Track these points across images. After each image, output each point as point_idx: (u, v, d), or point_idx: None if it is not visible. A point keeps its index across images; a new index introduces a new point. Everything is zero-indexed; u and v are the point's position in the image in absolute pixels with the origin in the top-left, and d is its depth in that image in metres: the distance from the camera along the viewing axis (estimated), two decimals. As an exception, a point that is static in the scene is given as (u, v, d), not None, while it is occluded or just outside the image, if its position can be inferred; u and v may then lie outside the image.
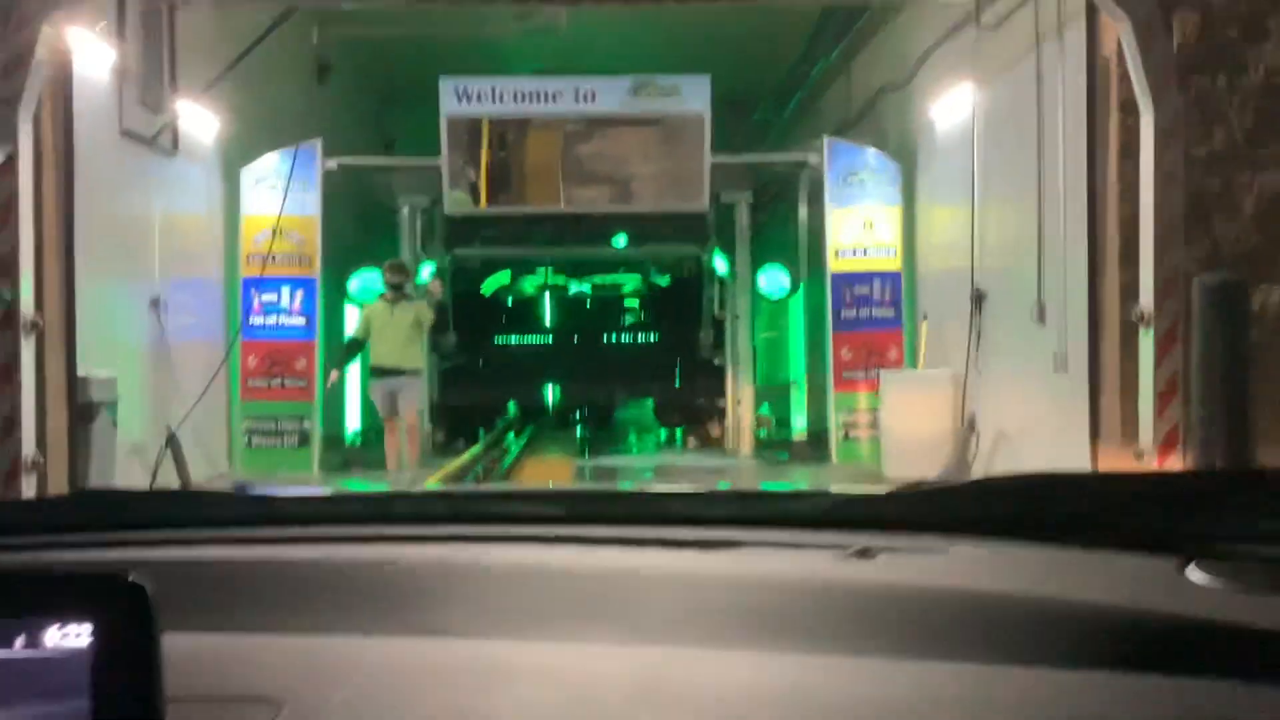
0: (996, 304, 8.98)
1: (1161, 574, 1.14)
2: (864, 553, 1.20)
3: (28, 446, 4.97)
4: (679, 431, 15.33)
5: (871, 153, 10.95)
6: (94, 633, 0.70)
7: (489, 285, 17.73)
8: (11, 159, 4.87)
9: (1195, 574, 1.12)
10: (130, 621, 0.71)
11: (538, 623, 1.07)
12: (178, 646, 0.73)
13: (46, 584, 0.74)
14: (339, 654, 1.00)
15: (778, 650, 1.00)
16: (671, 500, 1.71)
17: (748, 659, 0.99)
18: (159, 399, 8.85)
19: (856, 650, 1.00)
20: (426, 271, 12.37)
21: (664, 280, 17.06)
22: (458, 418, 14.68)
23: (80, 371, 6.42)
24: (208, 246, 10.29)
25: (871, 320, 10.84)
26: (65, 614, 0.70)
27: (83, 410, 6.28)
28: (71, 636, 0.70)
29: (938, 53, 10.08)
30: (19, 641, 0.70)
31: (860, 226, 10.87)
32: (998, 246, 8.95)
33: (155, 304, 8.81)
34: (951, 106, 9.75)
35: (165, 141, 8.97)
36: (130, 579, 0.71)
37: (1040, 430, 8.03)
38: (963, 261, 9.43)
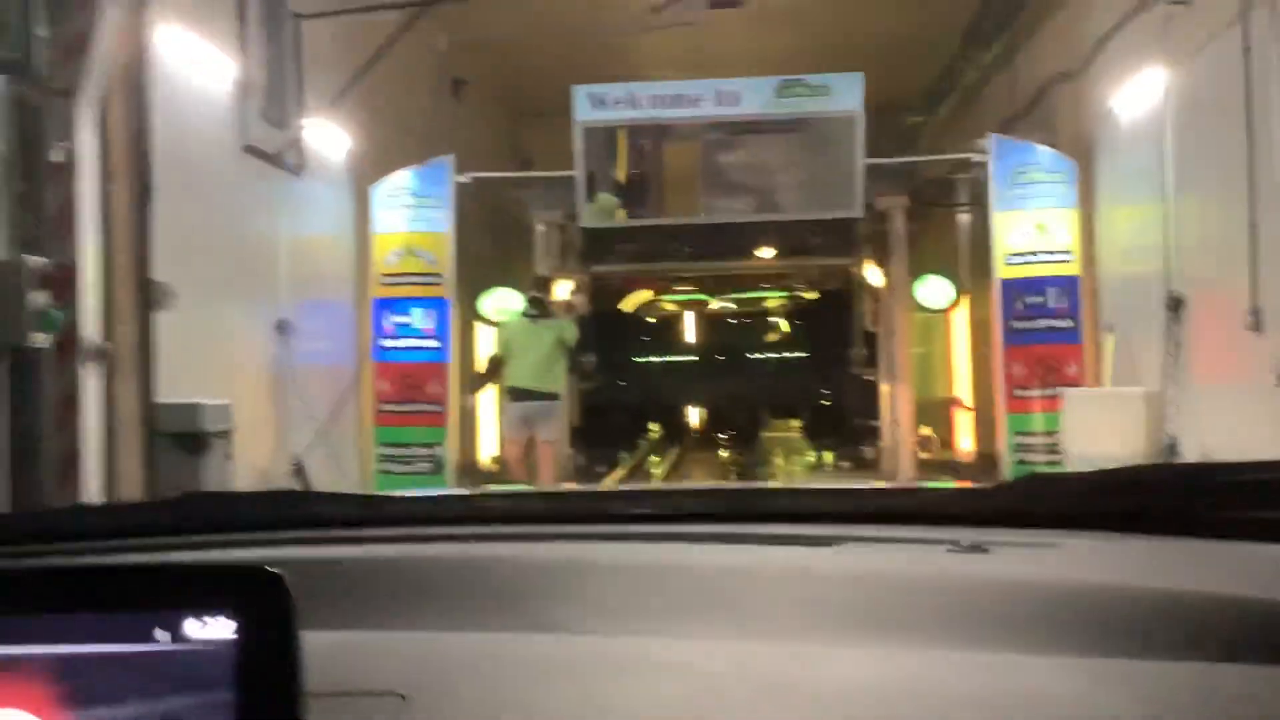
0: (1198, 311, 7.93)
1: None
2: (976, 547, 1.18)
3: (93, 483, 4.46)
4: (830, 454, 14.46)
5: (1043, 150, 9.96)
6: (237, 626, 0.70)
7: (629, 303, 17.17)
8: (70, 160, 4.36)
9: None
10: (272, 614, 0.71)
11: (652, 619, 1.06)
12: (304, 643, 0.71)
13: (185, 577, 0.73)
14: (461, 649, 1.00)
15: (895, 646, 0.97)
16: (775, 496, 1.69)
17: (867, 655, 0.96)
18: (286, 426, 8.45)
19: (974, 645, 0.97)
20: (566, 288, 11.84)
21: (812, 294, 16.24)
22: (598, 440, 14.12)
23: (190, 400, 5.98)
24: (338, 267, 9.92)
25: (1047, 332, 9.83)
26: (205, 607, 0.71)
27: (193, 441, 5.83)
28: (213, 630, 0.70)
29: (1119, 35, 9.08)
30: (162, 635, 0.70)
31: (1032, 230, 9.89)
32: (1199, 246, 7.91)
33: (281, 327, 8.42)
34: (1137, 94, 8.74)
35: (291, 158, 8.59)
36: (269, 571, 0.71)
37: (1259, 455, 6.96)
38: (1154, 265, 8.40)
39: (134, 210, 4.78)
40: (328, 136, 9.50)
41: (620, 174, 12.30)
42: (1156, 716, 0.85)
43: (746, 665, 0.95)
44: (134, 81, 4.90)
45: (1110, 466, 1.41)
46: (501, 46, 13.86)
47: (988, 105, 13.05)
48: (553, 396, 8.92)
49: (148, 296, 5.00)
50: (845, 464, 13.24)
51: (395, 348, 10.08)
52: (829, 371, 14.87)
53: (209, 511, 1.46)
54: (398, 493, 2.78)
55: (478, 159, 12.41)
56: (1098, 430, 8.61)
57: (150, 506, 1.62)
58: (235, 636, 0.71)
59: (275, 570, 0.72)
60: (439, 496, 2.18)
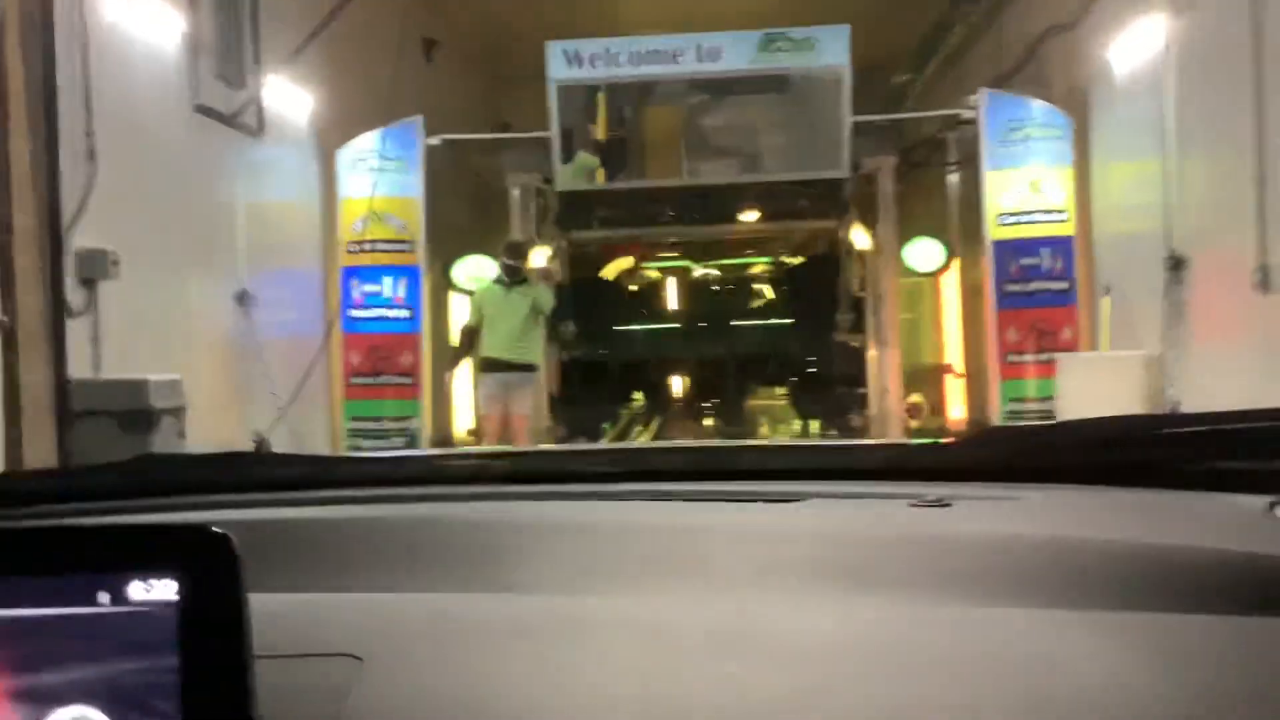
0: (1201, 272, 7.59)
1: (1249, 514, 1.11)
2: (938, 502, 1.17)
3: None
4: (817, 422, 14.11)
5: (1037, 105, 9.59)
6: (180, 587, 0.70)
7: (610, 270, 16.76)
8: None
9: None
10: (217, 575, 0.70)
11: (611, 578, 1.05)
12: (254, 605, 0.70)
13: (129, 539, 0.72)
14: (418, 611, 0.98)
15: (856, 601, 0.97)
16: (739, 454, 1.65)
17: (827, 609, 0.96)
18: (248, 401, 8.06)
19: (936, 599, 0.96)
20: (543, 254, 11.44)
21: (797, 259, 15.85)
22: (578, 411, 13.75)
23: (134, 375, 5.59)
24: (303, 234, 9.50)
25: (1041, 295, 9.49)
26: (149, 569, 0.70)
27: (139, 418, 5.44)
28: (157, 591, 0.70)
29: (1115, -17, 8.69)
30: (104, 597, 0.70)
31: (1026, 189, 9.53)
32: (1201, 203, 7.56)
33: (242, 298, 8.01)
34: (1135, 44, 8.36)
35: (249, 120, 8.16)
36: (214, 531, 0.70)
37: (1267, 421, 6.65)
38: (1154, 224, 8.05)
39: (38, 165, 4.34)
40: (289, 98, 9.07)
41: (600, 136, 11.92)
42: (1122, 667, 0.86)
43: (710, 623, 0.94)
44: (34, 21, 4.46)
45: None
46: (475, 4, 13.43)
47: (976, 63, 12.65)
48: (528, 368, 8.52)
49: (59, 263, 4.57)
50: (832, 432, 12.90)
51: (365, 318, 9.68)
52: (815, 338, 14.45)
53: (163, 474, 1.45)
54: (355, 453, 2.65)
55: (452, 123, 11.95)
56: (1095, 396, 8.28)
57: (103, 469, 1.50)
58: (178, 598, 0.70)
59: (220, 530, 0.70)
60: (398, 458, 2.10)
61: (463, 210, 13.01)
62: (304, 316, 9.05)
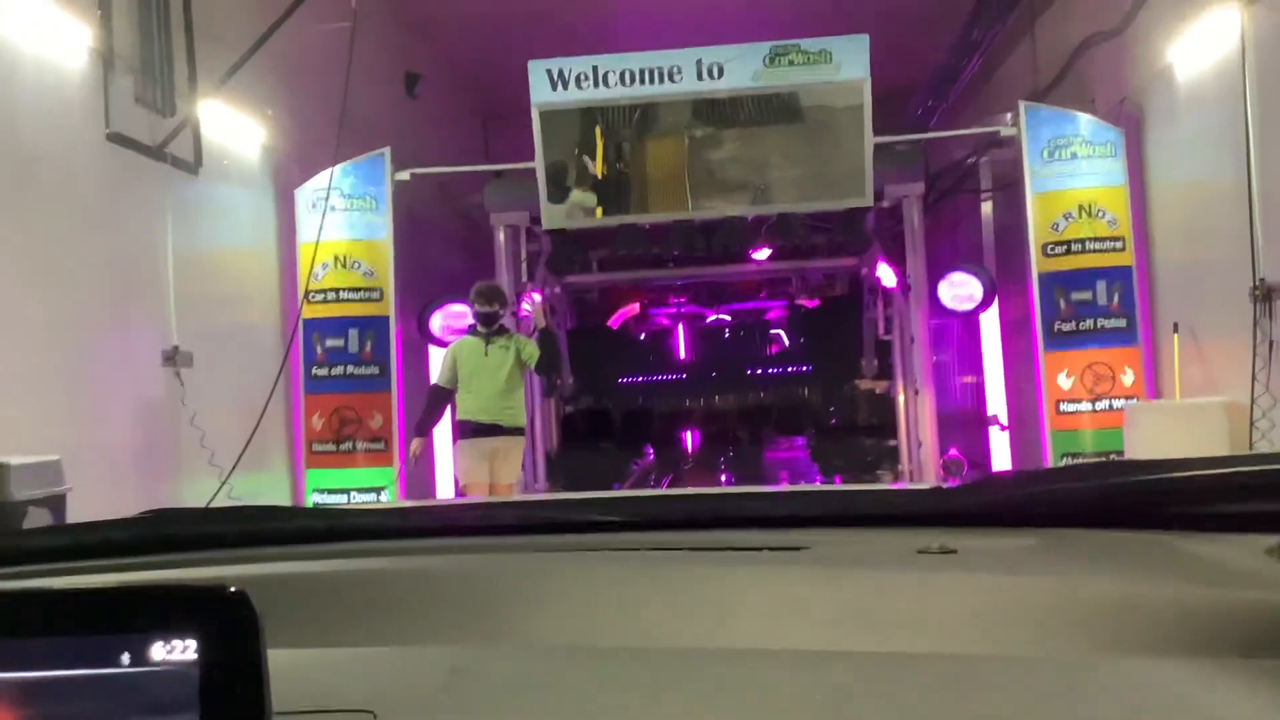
0: (1298, 302, 6.42)
1: (1248, 557, 1.12)
2: (944, 549, 1.18)
3: None
4: (840, 480, 12.90)
5: (1084, 118, 8.45)
6: (200, 647, 0.70)
7: (611, 317, 15.67)
8: None
9: None
10: (237, 634, 0.71)
11: (622, 628, 1.06)
12: (270, 660, 0.71)
13: (149, 600, 0.73)
14: (429, 664, 1.00)
15: (864, 648, 0.99)
16: (744, 501, 1.67)
17: (836, 658, 0.98)
18: (182, 473, 6.94)
19: (944, 645, 0.98)
20: (532, 300, 10.34)
21: (816, 300, 14.72)
22: (580, 471, 12.59)
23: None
24: (256, 283, 8.40)
25: (1096, 335, 8.30)
26: (170, 629, 0.71)
27: (-7, 514, 4.31)
28: (177, 651, 0.71)
29: (1173, -23, 7.59)
30: (124, 658, 0.70)
31: (1075, 213, 8.38)
32: (1294, 222, 6.41)
33: (173, 356, 6.90)
34: (1202, 43, 7.25)
35: (182, 153, 7.08)
36: (232, 591, 0.71)
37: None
38: (1234, 249, 6.88)
39: None
40: (237, 129, 8.01)
41: (598, 172, 10.83)
42: (1134, 711, 0.86)
43: (720, 672, 0.96)
44: None
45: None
46: (463, 36, 12.44)
47: (1005, 83, 11.56)
48: (512, 431, 7.32)
49: None
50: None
51: (328, 376, 8.56)
52: (837, 385, 13.33)
53: (174, 529, 1.45)
54: (364, 506, 2.67)
55: (438, 163, 10.93)
56: (1170, 449, 7.06)
57: (113, 525, 1.40)
58: (197, 658, 0.70)
59: (238, 590, 0.70)
60: (406, 509, 2.14)
61: (449, 255, 11.95)
62: (256, 376, 7.89)
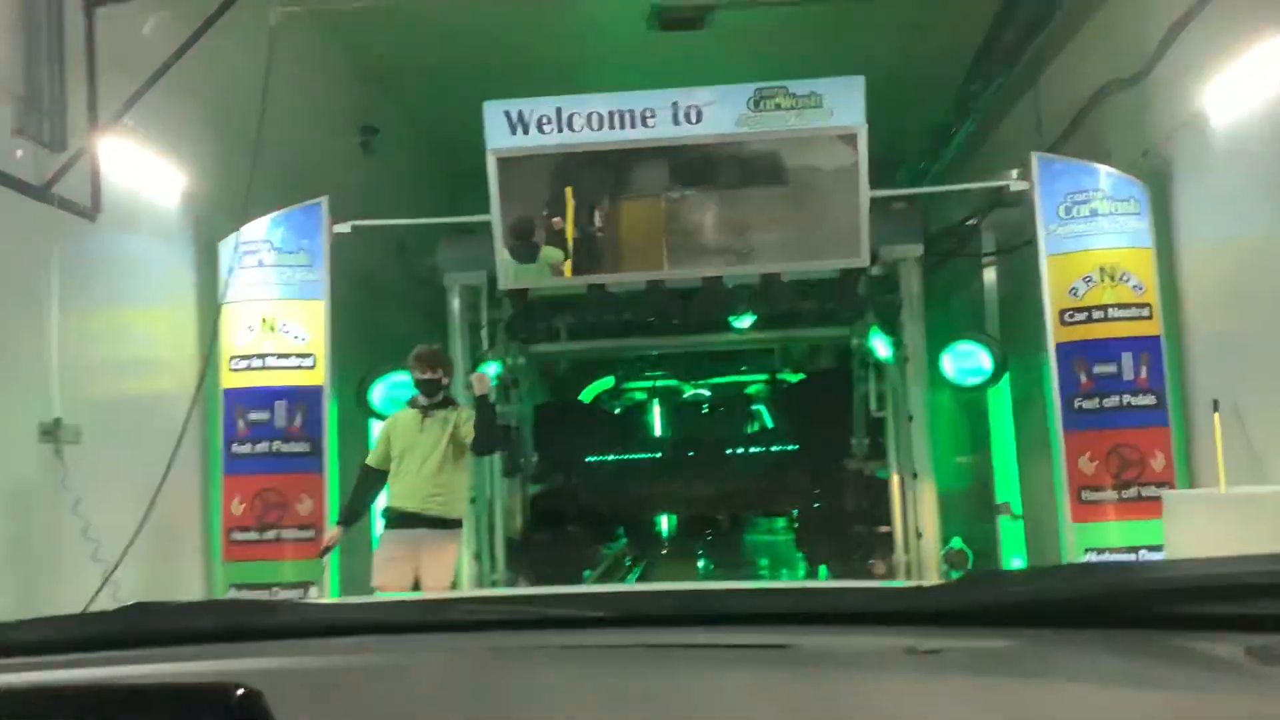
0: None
1: (1228, 658, 1.13)
2: (928, 650, 1.17)
3: None
4: (825, 569, 11.84)
5: (1104, 171, 7.58)
6: None
7: (579, 391, 14.69)
8: None
9: (1258, 657, 1.11)
10: None
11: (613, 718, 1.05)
12: None
13: (144, 696, 0.73)
14: None
15: None
16: (725, 597, 1.65)
17: None
18: (53, 571, 5.85)
19: None
20: (489, 372, 9.34)
21: (802, 374, 13.78)
22: (547, 557, 11.51)
23: None
24: (168, 348, 7.36)
25: (1122, 413, 7.35)
26: None
27: None
28: None
29: (1205, 12, 6.77)
30: None
31: (1096, 277, 7.47)
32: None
33: (53, 431, 5.85)
34: (1242, 84, 6.40)
35: (76, 195, 6.10)
36: (243, 690, 0.71)
37: None
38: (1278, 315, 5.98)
39: None
40: (150, 172, 7.05)
41: (568, 235, 9.90)
42: None
43: None
44: None
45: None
46: (424, 90, 11.57)
47: (1006, 143, 10.75)
48: (441, 524, 6.22)
49: None
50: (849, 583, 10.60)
51: (251, 454, 7.49)
52: (824, 467, 12.32)
53: (160, 622, 1.44)
54: (353, 600, 2.36)
55: (408, 232, 9.99)
56: (1217, 544, 6.07)
57: (94, 618, 1.44)
58: None
59: (251, 689, 0.70)
60: (386, 604, 2.17)
61: (410, 324, 10.96)
62: (160, 455, 6.81)
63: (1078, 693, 1.05)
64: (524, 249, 8.42)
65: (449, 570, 6.24)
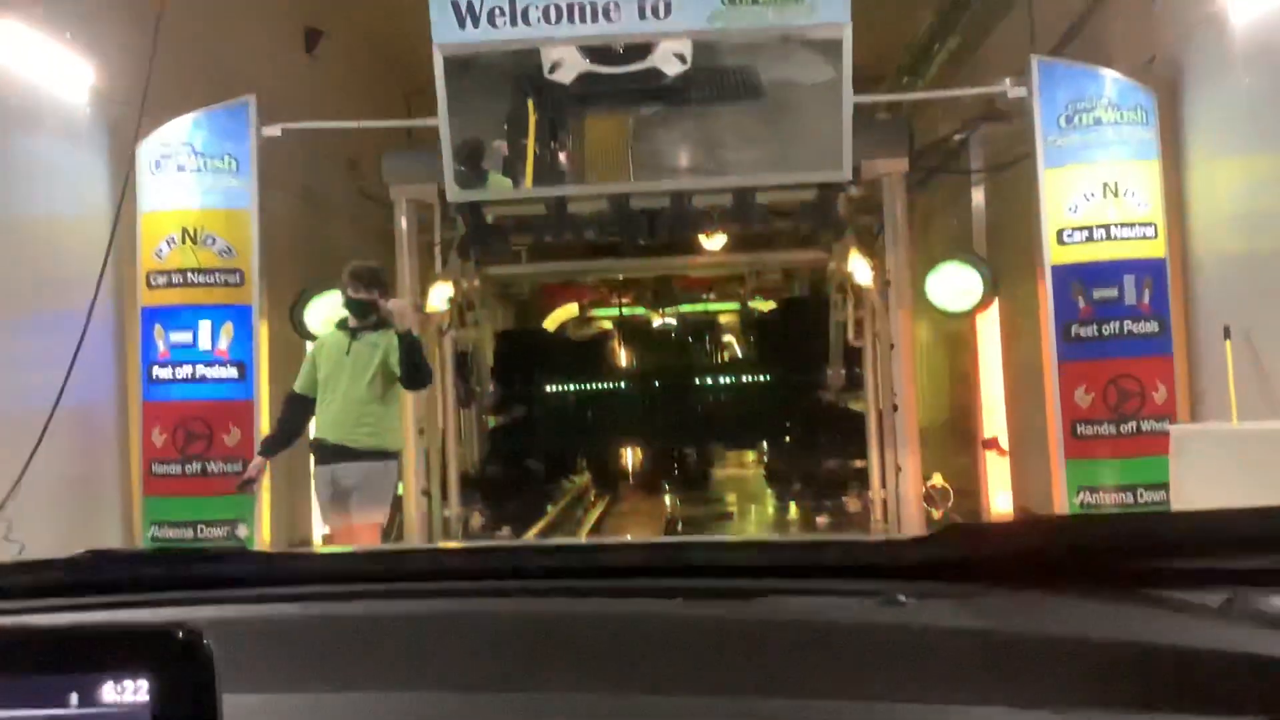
0: None
1: (1202, 613, 1.14)
2: (894, 600, 1.17)
3: None
4: (796, 504, 11.33)
5: (1112, 77, 6.94)
6: (152, 688, 0.69)
7: (547, 320, 14.04)
8: None
9: (1239, 611, 1.12)
10: (190, 676, 0.70)
11: (567, 674, 1.06)
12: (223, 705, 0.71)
13: (99, 639, 0.72)
14: (377, 709, 1.00)
15: (809, 698, 0.99)
16: (695, 549, 1.63)
17: (780, 706, 0.98)
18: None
19: (891, 696, 0.98)
20: (442, 292, 8.67)
21: (775, 301, 13.18)
22: (504, 493, 10.95)
23: None
24: (75, 262, 6.64)
25: (1123, 341, 6.80)
26: (121, 670, 0.70)
27: None
28: (128, 692, 0.69)
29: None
30: (73, 699, 0.70)
31: (1098, 192, 6.86)
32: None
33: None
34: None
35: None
36: (186, 632, 0.70)
37: None
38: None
39: None
40: (52, 64, 6.29)
41: (529, 150, 9.18)
42: None
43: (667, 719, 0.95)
44: None
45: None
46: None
47: (997, 54, 10.04)
48: (373, 455, 5.57)
49: None
50: (822, 519, 10.10)
51: (172, 379, 6.83)
52: (798, 399, 11.77)
53: (114, 570, 1.43)
54: (309, 550, 2.67)
55: (350, 141, 9.24)
56: (1228, 484, 5.54)
57: (49, 564, 1.34)
58: (149, 699, 0.69)
59: (192, 630, 0.70)
60: (349, 554, 2.15)
61: (363, 249, 10.24)
62: (72, 380, 6.12)
63: (1056, 647, 1.04)
64: (470, 175, 7.74)
65: (380, 505, 5.62)
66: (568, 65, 7.41)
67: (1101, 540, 1.31)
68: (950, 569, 1.26)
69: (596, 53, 7.28)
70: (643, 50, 7.25)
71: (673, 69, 7.28)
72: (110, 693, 0.69)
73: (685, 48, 7.19)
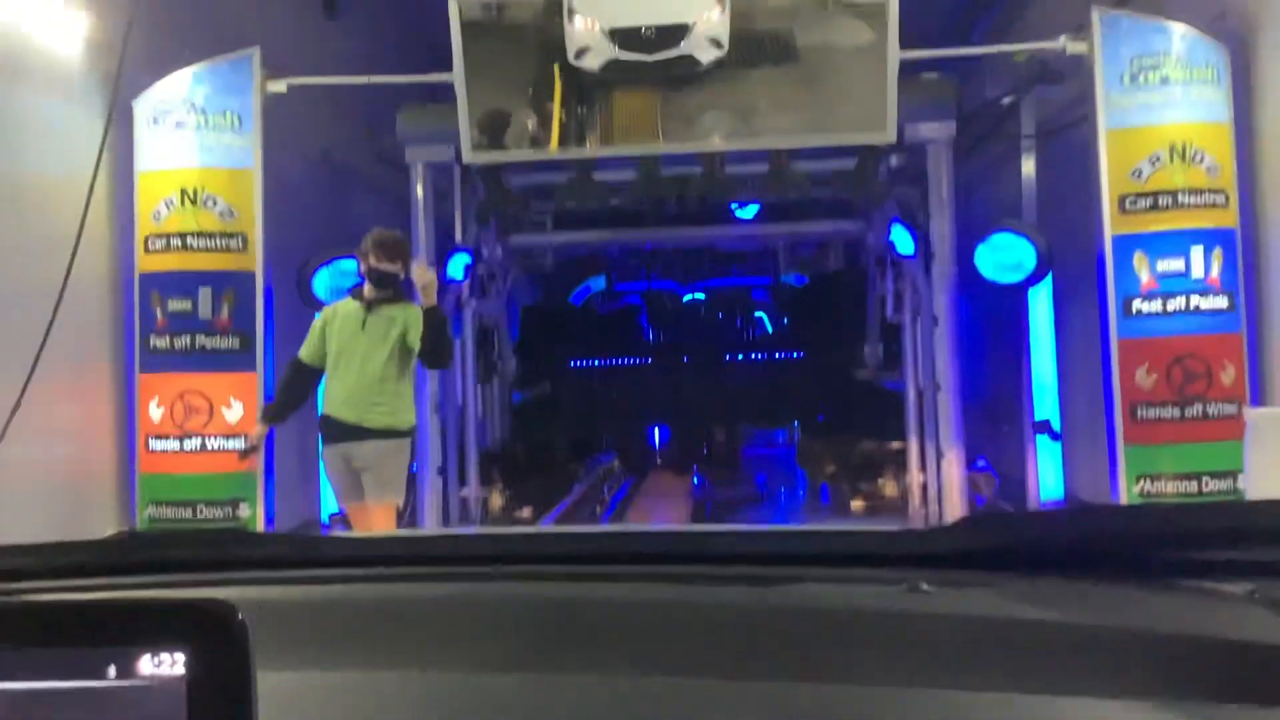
0: None
1: (1227, 603, 1.13)
2: (917, 588, 1.17)
3: None
4: (830, 487, 10.86)
5: (1180, 32, 6.41)
6: (188, 661, 0.70)
7: (564, 289, 13.63)
8: None
9: (1262, 602, 1.11)
10: (225, 649, 0.70)
11: (593, 656, 1.07)
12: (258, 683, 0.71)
13: (136, 613, 0.73)
14: (407, 690, 1.01)
15: (830, 683, 1.00)
16: (722, 538, 1.64)
17: (803, 691, 0.98)
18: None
19: (911, 683, 0.99)
20: (457, 265, 8.25)
21: (810, 274, 12.70)
22: (528, 472, 10.55)
23: None
24: (65, 224, 6.24)
25: (1189, 316, 6.29)
26: (158, 643, 0.70)
27: None
28: (165, 665, 0.70)
29: None
30: (111, 671, 0.70)
31: (1165, 156, 6.34)
32: None
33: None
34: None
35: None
36: (221, 604, 0.71)
37: None
38: None
39: None
40: (43, 16, 5.90)
41: (555, 117, 8.74)
42: None
43: (687, 704, 0.95)
44: None
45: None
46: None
47: (1048, 12, 9.50)
48: (386, 433, 5.20)
49: None
50: (857, 504, 9.64)
51: (170, 350, 6.44)
52: (832, 377, 11.31)
53: (150, 551, 1.47)
54: (339, 534, 2.69)
55: (362, 101, 8.80)
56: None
57: (84, 546, 1.38)
58: (185, 672, 0.69)
59: (227, 603, 0.70)
60: (380, 538, 2.17)
61: (382, 218, 9.83)
62: (62, 352, 5.73)
63: (1080, 637, 1.03)
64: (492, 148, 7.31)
65: (396, 485, 5.25)
66: (595, 52, 7.00)
67: (1126, 530, 1.31)
68: (975, 558, 1.27)
69: (625, 38, 6.85)
70: (675, 35, 6.82)
71: (707, 56, 6.85)
72: (147, 665, 0.69)
73: (721, 31, 6.75)
